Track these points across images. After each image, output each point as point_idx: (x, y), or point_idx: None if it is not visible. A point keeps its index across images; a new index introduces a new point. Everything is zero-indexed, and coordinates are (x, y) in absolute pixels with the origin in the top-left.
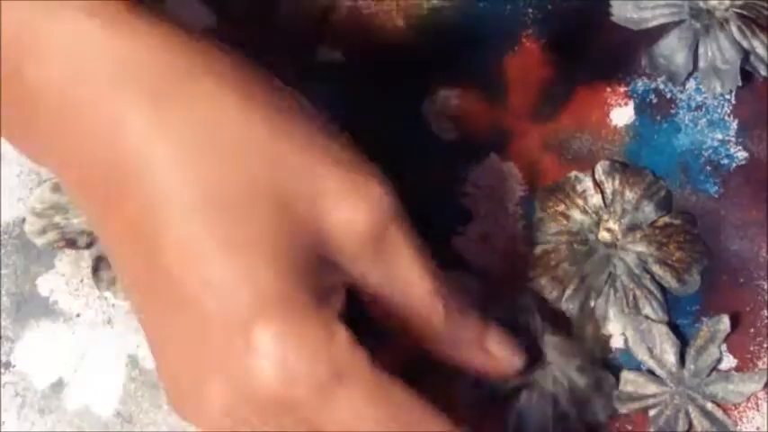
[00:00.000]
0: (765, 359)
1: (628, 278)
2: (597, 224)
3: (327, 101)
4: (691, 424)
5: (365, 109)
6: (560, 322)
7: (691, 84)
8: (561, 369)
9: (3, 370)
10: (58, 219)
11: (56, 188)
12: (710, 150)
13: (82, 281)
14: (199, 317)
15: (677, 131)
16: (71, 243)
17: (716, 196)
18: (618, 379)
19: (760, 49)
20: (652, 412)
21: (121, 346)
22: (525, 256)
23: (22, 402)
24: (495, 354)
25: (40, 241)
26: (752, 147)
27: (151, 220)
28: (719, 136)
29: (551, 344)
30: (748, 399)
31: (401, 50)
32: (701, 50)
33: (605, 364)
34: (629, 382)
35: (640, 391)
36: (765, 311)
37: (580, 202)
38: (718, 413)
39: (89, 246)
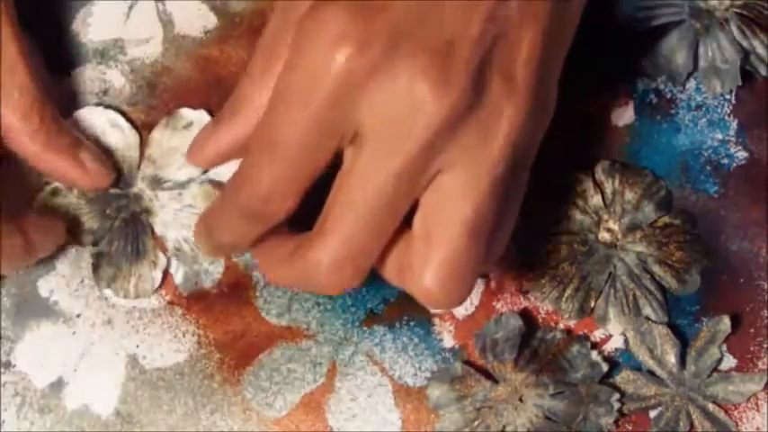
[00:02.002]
0: (765, 359)
1: (628, 278)
2: (597, 224)
3: None
4: (692, 425)
5: None
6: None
7: (691, 84)
8: (534, 404)
9: (3, 370)
10: None
11: (55, 192)
12: (710, 150)
13: (82, 281)
14: None
15: (677, 131)
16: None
17: (716, 196)
18: (617, 382)
19: (760, 49)
20: (653, 413)
21: (121, 346)
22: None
23: (22, 402)
24: (89, 166)
25: None
26: (752, 147)
27: None
28: (719, 136)
29: (523, 382)
30: (748, 399)
31: None
32: (701, 50)
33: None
34: (630, 382)
35: (641, 392)
36: (765, 311)
37: (580, 202)
38: (720, 414)
39: (95, 244)
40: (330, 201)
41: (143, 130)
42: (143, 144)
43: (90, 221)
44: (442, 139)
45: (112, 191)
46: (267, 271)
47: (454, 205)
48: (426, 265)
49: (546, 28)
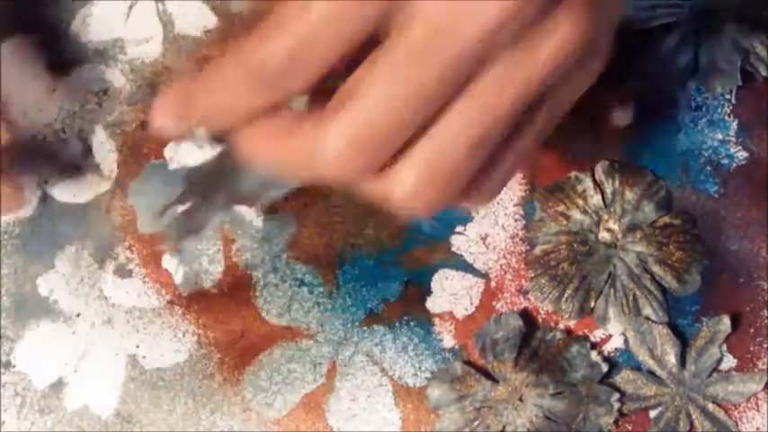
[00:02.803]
0: (765, 359)
1: (628, 278)
2: (597, 224)
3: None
4: (692, 425)
5: None
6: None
7: (691, 84)
8: (534, 403)
9: (3, 370)
10: None
11: None
12: (710, 150)
13: (81, 280)
14: None
15: (677, 131)
16: None
17: (716, 196)
18: (617, 382)
19: (760, 49)
20: (653, 413)
21: (121, 346)
22: (525, 256)
23: (22, 402)
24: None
25: None
26: (752, 147)
27: None
28: (719, 136)
29: (523, 382)
30: (748, 399)
31: None
32: (701, 50)
33: (605, 376)
34: (630, 382)
35: (641, 392)
36: (765, 311)
37: (580, 202)
38: (720, 414)
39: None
40: (359, 76)
41: (143, 129)
42: None
43: None
44: (495, 43)
45: None
46: (255, 146)
47: (474, 113)
48: (413, 164)
49: None
